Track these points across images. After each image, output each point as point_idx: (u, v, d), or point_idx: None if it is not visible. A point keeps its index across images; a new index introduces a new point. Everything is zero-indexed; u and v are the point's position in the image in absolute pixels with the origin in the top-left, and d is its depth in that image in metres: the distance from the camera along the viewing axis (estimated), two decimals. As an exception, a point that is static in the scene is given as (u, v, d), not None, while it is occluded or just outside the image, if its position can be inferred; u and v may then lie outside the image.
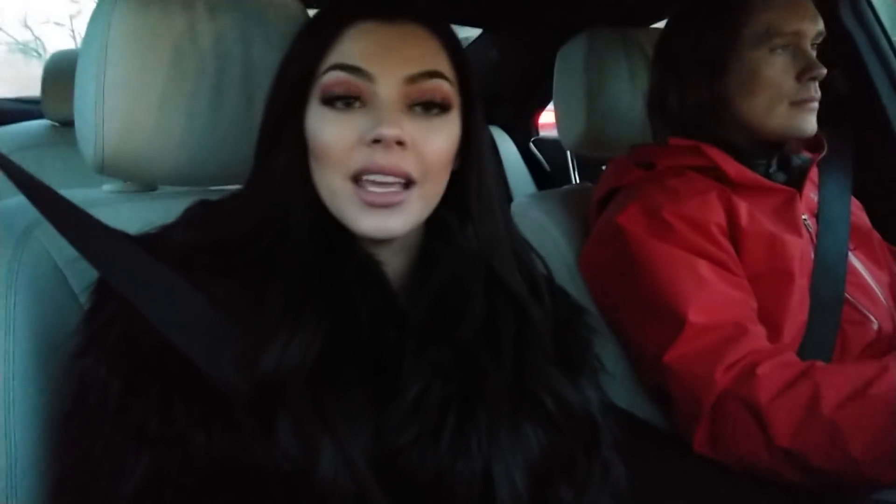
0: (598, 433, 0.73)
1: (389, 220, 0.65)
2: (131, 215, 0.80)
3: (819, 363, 0.93)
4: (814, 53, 1.09)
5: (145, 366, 0.59)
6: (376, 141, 0.63)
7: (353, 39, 0.66)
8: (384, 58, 0.65)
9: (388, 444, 0.62)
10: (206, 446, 0.57)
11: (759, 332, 0.97)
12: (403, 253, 0.71)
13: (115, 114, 0.78)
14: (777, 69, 1.07)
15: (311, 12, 0.79)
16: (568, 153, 1.56)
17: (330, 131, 0.65)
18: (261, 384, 0.59)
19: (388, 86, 0.65)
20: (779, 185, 1.12)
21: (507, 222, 0.75)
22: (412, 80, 0.66)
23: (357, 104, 0.66)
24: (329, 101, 0.66)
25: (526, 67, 2.17)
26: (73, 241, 0.66)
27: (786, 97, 1.07)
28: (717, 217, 1.06)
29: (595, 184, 1.26)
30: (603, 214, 1.16)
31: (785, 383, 0.89)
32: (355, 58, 0.65)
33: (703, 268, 1.01)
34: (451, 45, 0.70)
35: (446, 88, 0.67)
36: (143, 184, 0.89)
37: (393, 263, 0.70)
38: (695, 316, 0.96)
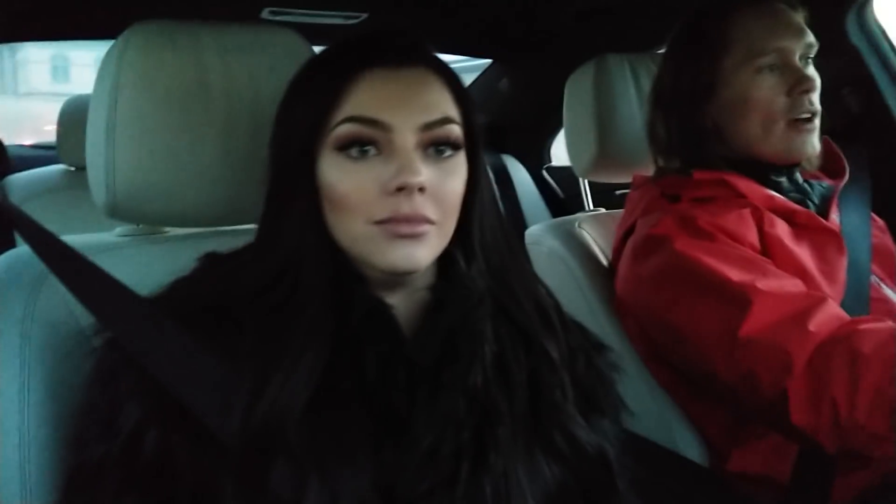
0: (613, 474, 0.72)
1: (416, 250, 0.66)
2: (144, 258, 0.82)
3: None
4: (809, 67, 1.08)
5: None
6: (399, 189, 0.64)
7: (366, 90, 0.66)
8: (400, 108, 0.66)
9: (403, 495, 0.61)
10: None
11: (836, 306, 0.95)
12: (413, 296, 0.71)
13: (126, 157, 0.79)
14: (765, 89, 1.07)
15: (316, 49, 0.80)
16: (580, 180, 1.55)
17: (350, 182, 0.65)
18: (259, 426, 0.59)
19: (405, 135, 0.65)
20: (808, 212, 1.10)
21: (513, 254, 0.75)
22: (427, 127, 0.66)
23: (372, 151, 0.66)
24: (343, 147, 0.66)
25: (537, 96, 2.18)
26: (80, 296, 0.68)
27: (780, 116, 1.07)
28: (751, 236, 1.04)
29: (608, 209, 1.25)
30: (632, 237, 1.14)
31: (892, 332, 0.86)
32: (371, 109, 0.66)
33: (756, 258, 0.99)
34: (457, 86, 0.71)
35: (457, 131, 0.68)
36: (156, 226, 0.89)
37: (403, 307, 0.70)
38: (765, 287, 0.94)
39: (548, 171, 2.43)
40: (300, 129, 0.68)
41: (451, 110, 0.68)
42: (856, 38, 1.46)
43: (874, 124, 1.49)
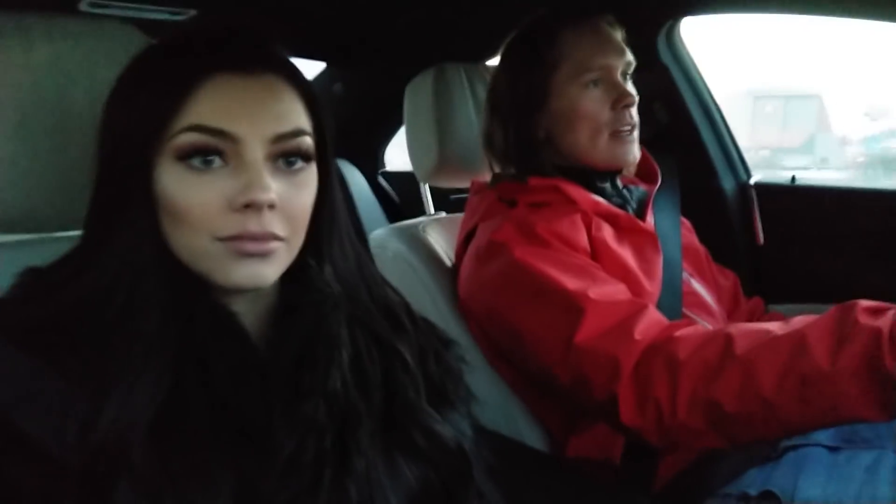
0: (471, 464, 0.73)
1: (262, 268, 0.63)
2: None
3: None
4: (627, 84, 1.18)
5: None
6: (247, 206, 0.61)
7: (210, 97, 0.61)
8: (247, 118, 0.62)
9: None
10: None
11: (656, 312, 1.02)
12: (260, 301, 0.68)
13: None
14: (592, 102, 1.15)
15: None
16: (422, 185, 1.59)
17: (192, 195, 0.61)
18: (99, 446, 0.55)
19: (253, 147, 0.62)
20: (628, 216, 1.19)
21: (360, 260, 0.75)
22: (278, 138, 0.63)
23: (217, 162, 0.62)
24: (185, 157, 0.61)
25: (372, 100, 2.19)
26: None
27: (605, 128, 1.15)
28: (583, 240, 1.11)
29: (448, 212, 1.29)
30: (473, 241, 1.18)
31: (702, 338, 0.93)
32: (215, 119, 0.61)
33: (588, 265, 1.06)
34: (309, 94, 0.67)
35: (308, 143, 0.66)
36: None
37: (250, 314, 0.67)
38: (596, 296, 1.00)
39: (383, 176, 2.46)
40: (135, 133, 0.62)
41: (303, 121, 0.65)
42: (665, 56, 1.61)
43: (680, 134, 1.65)
